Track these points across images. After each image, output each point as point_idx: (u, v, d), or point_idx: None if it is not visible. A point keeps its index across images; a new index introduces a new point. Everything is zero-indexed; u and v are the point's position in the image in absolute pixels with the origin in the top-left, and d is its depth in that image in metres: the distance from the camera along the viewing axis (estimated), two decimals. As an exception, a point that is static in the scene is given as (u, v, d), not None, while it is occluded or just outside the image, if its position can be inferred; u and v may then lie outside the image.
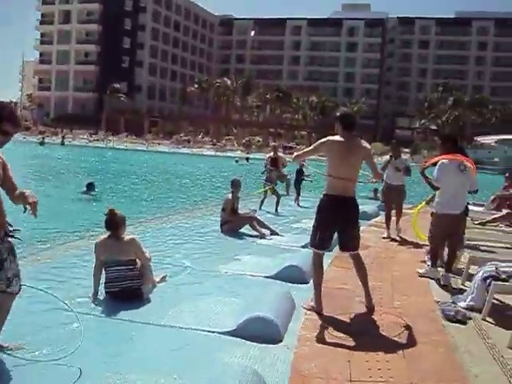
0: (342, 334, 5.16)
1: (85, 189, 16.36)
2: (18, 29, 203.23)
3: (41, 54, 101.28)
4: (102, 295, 5.92)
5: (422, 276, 7.43)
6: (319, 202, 5.80)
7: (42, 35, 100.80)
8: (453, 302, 6.13)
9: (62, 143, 61.83)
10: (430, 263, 7.53)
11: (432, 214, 7.54)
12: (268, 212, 13.58)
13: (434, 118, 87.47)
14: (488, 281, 5.75)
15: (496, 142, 67.63)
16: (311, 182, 16.88)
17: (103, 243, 5.95)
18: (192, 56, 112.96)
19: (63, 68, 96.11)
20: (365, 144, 5.79)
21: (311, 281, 6.73)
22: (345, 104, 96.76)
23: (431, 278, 7.26)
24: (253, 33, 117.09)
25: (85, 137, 74.55)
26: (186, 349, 4.68)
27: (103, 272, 5.96)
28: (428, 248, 8.03)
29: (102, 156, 45.06)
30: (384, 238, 10.60)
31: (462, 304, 6.00)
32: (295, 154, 6.27)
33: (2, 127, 3.79)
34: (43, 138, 63.06)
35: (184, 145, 74.05)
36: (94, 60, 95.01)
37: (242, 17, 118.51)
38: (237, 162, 44.35)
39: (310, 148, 6.00)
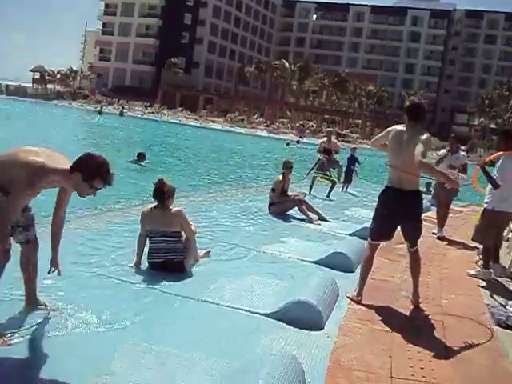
0: (384, 328, 4.98)
1: (135, 158, 16.41)
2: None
3: (103, 25, 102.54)
4: (144, 265, 5.90)
5: (472, 276, 7.15)
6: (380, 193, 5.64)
7: (106, 6, 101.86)
8: (504, 306, 5.85)
9: (121, 114, 62.07)
10: (481, 264, 7.26)
11: (485, 211, 7.16)
12: (316, 197, 13.41)
13: (494, 117, 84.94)
14: (545, 287, 5.46)
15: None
16: (360, 164, 16.44)
17: (149, 213, 5.91)
18: (252, 36, 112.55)
19: (124, 40, 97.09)
20: (424, 133, 5.48)
21: (357, 270, 6.60)
22: (402, 95, 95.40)
23: (482, 280, 6.97)
24: (315, 16, 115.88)
25: (140, 109, 75.35)
26: (224, 327, 4.60)
27: (147, 242, 5.94)
28: (480, 248, 7.75)
29: (157, 128, 45.46)
30: (434, 233, 10.14)
31: (514, 309, 5.72)
32: (373, 139, 6.09)
33: (93, 183, 3.68)
34: (101, 108, 63.78)
35: (238, 124, 74.05)
36: (154, 34, 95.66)
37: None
38: (288, 144, 44.11)
39: (381, 134, 5.80)
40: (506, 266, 7.61)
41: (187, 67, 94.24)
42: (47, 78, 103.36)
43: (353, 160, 16.03)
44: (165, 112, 71.99)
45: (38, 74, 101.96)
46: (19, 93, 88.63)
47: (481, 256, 7.60)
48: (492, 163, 7.16)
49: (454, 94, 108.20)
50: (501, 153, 6.98)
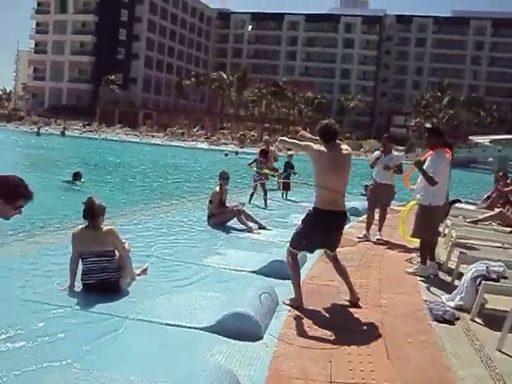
0: (324, 332, 4.96)
1: (69, 178, 15.98)
2: (13, 18, 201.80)
3: (36, 44, 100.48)
4: (78, 288, 5.72)
5: (411, 274, 7.23)
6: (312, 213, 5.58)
7: (38, 25, 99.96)
8: (442, 302, 5.94)
9: (63, 134, 60.87)
10: (419, 260, 7.37)
11: (421, 208, 7.26)
12: (257, 206, 13.39)
13: (429, 117, 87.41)
14: (478, 280, 5.56)
15: (490, 142, 67.87)
16: (295, 174, 16.54)
17: (80, 234, 5.73)
18: (189, 49, 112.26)
19: (58, 58, 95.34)
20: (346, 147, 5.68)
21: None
22: (340, 100, 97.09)
23: (421, 276, 7.07)
24: (250, 27, 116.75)
25: (78, 127, 73.95)
26: (160, 345, 4.49)
27: (80, 263, 5.76)
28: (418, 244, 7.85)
29: (95, 147, 44.68)
30: (359, 237, 9.61)
31: (451, 304, 5.81)
32: (282, 138, 6.04)
33: (17, 203, 3.55)
34: (39, 129, 62.19)
35: (178, 138, 73.67)
36: (89, 51, 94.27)
37: (240, 11, 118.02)
38: (226, 155, 43.89)
39: (304, 144, 5.76)
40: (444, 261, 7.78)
41: (125, 83, 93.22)
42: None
43: (289, 167, 16.15)
44: (103, 130, 70.76)
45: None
46: None
47: (418, 253, 7.72)
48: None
49: (390, 97, 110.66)
50: (431, 152, 7.12)
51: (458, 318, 5.47)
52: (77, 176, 15.95)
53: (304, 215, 5.67)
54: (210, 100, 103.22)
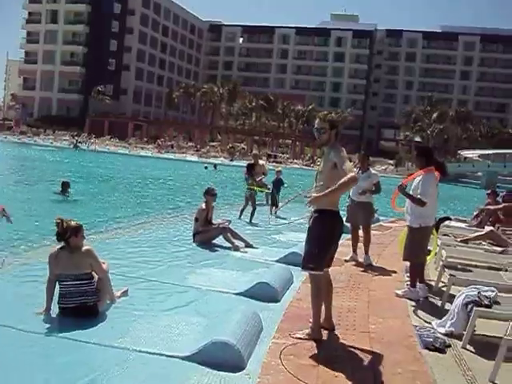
0: (311, 362, 4.73)
1: (59, 189, 15.79)
2: (3, 27, 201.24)
3: (26, 54, 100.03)
4: (54, 312, 5.48)
5: (400, 297, 7.03)
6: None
7: (29, 34, 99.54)
8: (432, 327, 5.74)
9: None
10: (409, 283, 7.18)
11: (412, 230, 7.06)
12: (247, 222, 13.17)
13: (418, 131, 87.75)
14: (469, 307, 5.37)
15: (479, 156, 68.23)
16: (283, 187, 16.20)
17: (56, 255, 5.48)
18: (179, 61, 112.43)
19: (48, 68, 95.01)
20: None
21: (282, 299, 6.44)
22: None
23: (410, 299, 6.88)
24: (241, 40, 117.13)
25: (67, 138, 73.36)
26: (138, 375, 4.26)
27: (57, 286, 5.51)
28: (407, 265, 7.66)
29: (82, 159, 44.33)
30: (346, 260, 9.10)
31: (441, 330, 5.61)
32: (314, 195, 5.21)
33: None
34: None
35: (167, 150, 73.38)
36: (80, 61, 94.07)
37: (231, 23, 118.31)
38: (206, 168, 43.51)
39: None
40: (433, 283, 7.60)
41: (115, 94, 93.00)
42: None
43: (278, 183, 15.92)
44: (92, 141, 70.17)
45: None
46: None
47: (408, 274, 7.54)
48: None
49: (380, 111, 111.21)
50: (418, 173, 6.94)
51: (448, 346, 5.27)
52: (65, 186, 15.77)
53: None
54: (201, 112, 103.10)
